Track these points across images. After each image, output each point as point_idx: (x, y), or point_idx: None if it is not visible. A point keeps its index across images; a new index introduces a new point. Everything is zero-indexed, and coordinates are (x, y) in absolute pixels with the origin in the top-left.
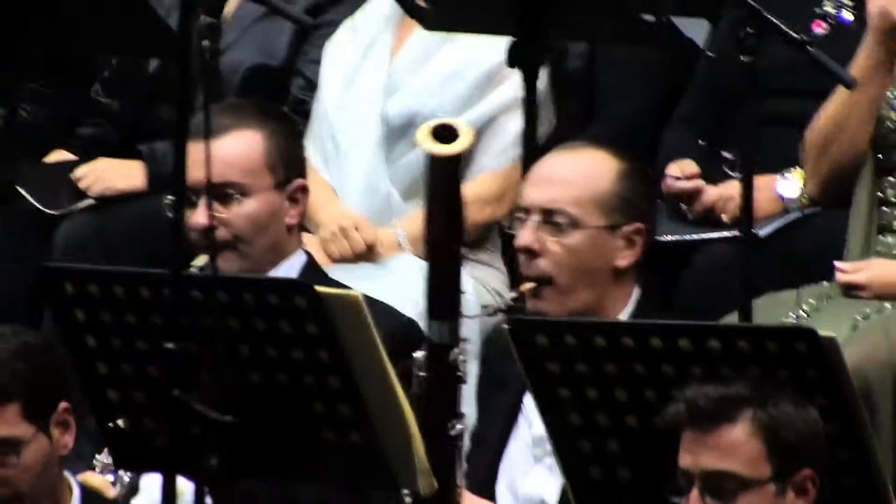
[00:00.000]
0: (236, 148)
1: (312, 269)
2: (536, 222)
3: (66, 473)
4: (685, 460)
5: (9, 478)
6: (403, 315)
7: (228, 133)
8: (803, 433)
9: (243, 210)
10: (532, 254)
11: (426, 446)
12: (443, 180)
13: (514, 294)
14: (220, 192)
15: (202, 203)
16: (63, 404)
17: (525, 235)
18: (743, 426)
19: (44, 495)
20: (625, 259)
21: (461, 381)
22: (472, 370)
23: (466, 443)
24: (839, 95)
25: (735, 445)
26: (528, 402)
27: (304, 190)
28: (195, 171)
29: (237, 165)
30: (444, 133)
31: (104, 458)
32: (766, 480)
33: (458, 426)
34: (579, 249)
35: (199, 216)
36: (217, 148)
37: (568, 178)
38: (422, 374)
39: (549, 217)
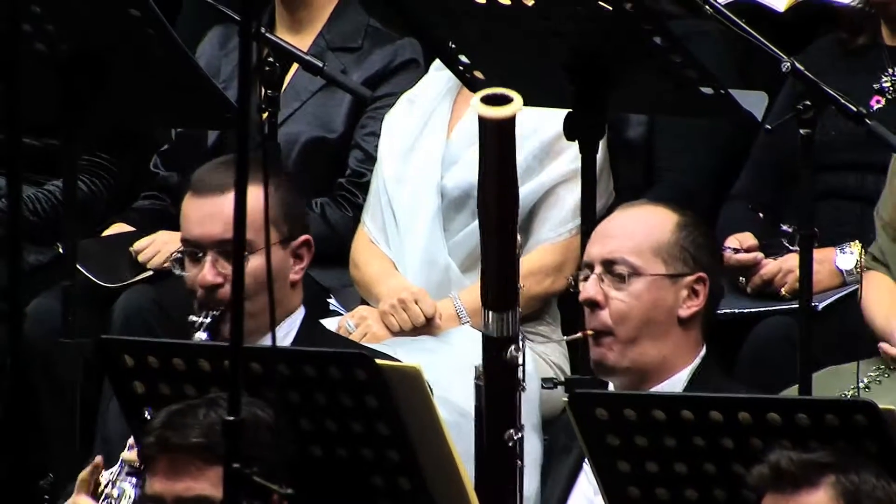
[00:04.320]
0: None
1: (309, 325)
2: (598, 274)
3: None
4: None
5: None
6: None
7: (231, 190)
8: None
9: (248, 266)
10: (595, 306)
11: (481, 459)
12: (496, 145)
13: (573, 337)
14: (225, 250)
15: (209, 260)
16: None
17: (588, 288)
18: (825, 491)
19: None
20: (688, 309)
21: (519, 384)
22: (533, 445)
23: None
24: None
25: None
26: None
27: (308, 246)
28: (201, 227)
29: None
30: (496, 100)
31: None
32: None
33: (516, 437)
34: (641, 298)
35: (206, 273)
36: (220, 204)
37: (627, 230)
38: (479, 382)
39: (610, 267)
